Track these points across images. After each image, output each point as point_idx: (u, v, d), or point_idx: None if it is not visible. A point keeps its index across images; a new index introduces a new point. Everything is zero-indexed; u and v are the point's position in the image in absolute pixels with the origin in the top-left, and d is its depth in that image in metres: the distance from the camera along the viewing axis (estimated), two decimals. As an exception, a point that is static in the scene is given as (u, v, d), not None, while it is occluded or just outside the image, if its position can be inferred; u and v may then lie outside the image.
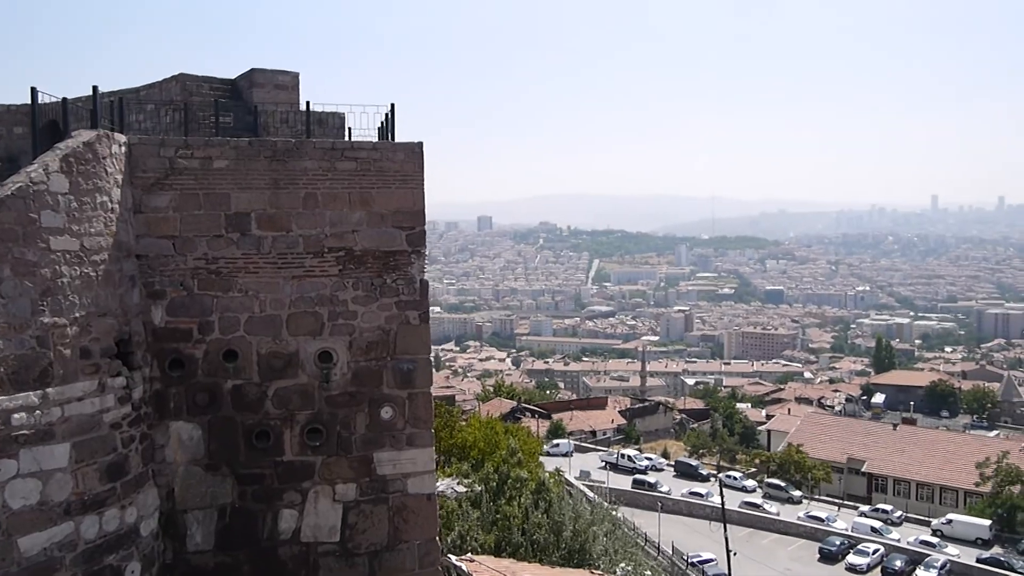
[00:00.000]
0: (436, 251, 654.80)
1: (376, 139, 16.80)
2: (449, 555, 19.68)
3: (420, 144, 15.56)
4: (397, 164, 15.33)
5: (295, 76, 20.44)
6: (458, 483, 32.11)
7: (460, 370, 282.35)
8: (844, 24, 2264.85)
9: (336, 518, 14.76)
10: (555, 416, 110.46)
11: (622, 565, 27.68)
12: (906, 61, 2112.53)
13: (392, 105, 17.19)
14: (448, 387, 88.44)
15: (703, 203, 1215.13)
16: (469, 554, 22.29)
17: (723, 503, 51.02)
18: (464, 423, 49.80)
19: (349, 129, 18.28)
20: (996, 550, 67.72)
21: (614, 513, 61.66)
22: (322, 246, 14.84)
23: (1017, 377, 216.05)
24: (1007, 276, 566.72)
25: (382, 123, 17.48)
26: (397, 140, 16.49)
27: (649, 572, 30.74)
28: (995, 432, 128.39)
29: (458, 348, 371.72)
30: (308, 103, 18.43)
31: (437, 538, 15.56)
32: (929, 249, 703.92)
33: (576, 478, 78.89)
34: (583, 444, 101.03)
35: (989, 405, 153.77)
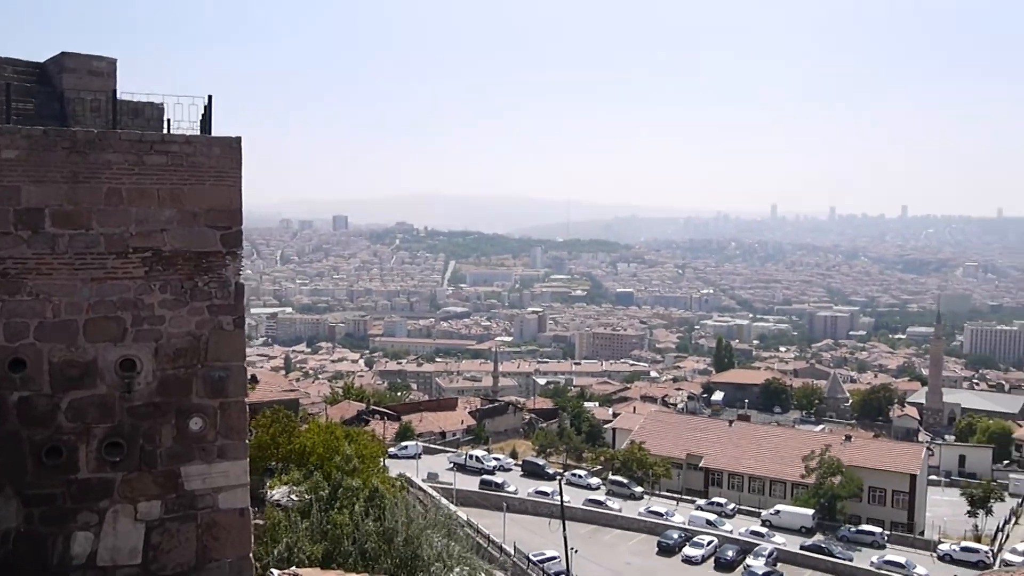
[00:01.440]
0: (290, 250, 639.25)
1: (199, 133, 15.87)
2: (272, 570, 18.90)
3: (238, 139, 14.80)
4: (212, 160, 14.49)
5: (112, 62, 19.07)
6: (289, 492, 31.09)
7: (311, 372, 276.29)
8: (694, 34, 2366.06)
9: (138, 539, 13.79)
10: (405, 418, 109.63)
11: (456, 571, 27.56)
12: (751, 77, 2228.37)
13: (209, 97, 16.21)
14: (291, 390, 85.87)
15: (559, 206, 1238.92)
16: (294, 568, 21.51)
17: (562, 502, 51.96)
18: (304, 428, 48.48)
19: (168, 121, 17.22)
20: (818, 537, 72.20)
21: (461, 515, 61.92)
22: (126, 246, 13.84)
23: (842, 375, 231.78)
24: (836, 281, 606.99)
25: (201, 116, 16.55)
26: (215, 134, 15.61)
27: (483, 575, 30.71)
28: (821, 426, 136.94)
29: (310, 350, 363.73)
30: (115, 91, 17.17)
31: (251, 555, 14.84)
32: (768, 255, 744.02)
33: (423, 480, 78.56)
34: (432, 446, 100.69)
35: (817, 401, 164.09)
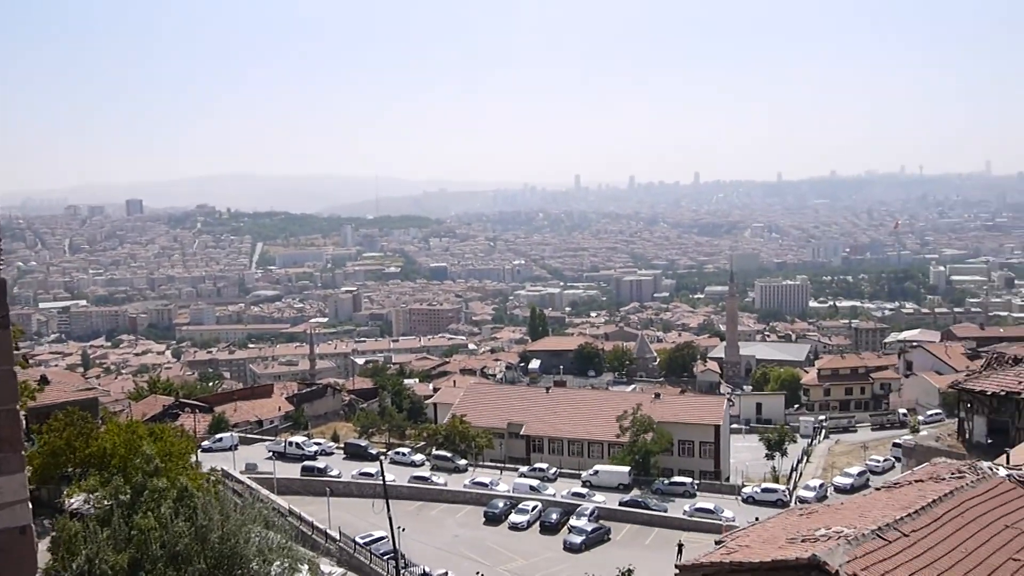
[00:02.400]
0: (79, 239, 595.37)
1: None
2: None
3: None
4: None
5: None
6: (88, 499, 28.70)
7: (113, 367, 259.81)
8: (492, 13, 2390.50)
9: None
10: (218, 409, 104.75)
11: (278, 563, 26.46)
12: (550, 53, 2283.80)
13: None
14: (88, 389, 79.77)
15: (367, 183, 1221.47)
16: (95, 581, 19.79)
17: (384, 481, 51.30)
18: (103, 429, 45.11)
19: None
20: (635, 492, 75.42)
21: (282, 505, 59.95)
22: None
23: (649, 335, 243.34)
24: (638, 247, 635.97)
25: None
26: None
27: (307, 566, 29.71)
28: (633, 386, 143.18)
29: (109, 343, 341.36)
30: None
31: (38, 574, 13.30)
32: (574, 224, 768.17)
33: (242, 472, 75.51)
34: (249, 435, 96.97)
35: (627, 362, 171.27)
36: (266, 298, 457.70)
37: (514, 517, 68.45)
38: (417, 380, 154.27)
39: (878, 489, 32.81)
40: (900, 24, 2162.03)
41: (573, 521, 66.84)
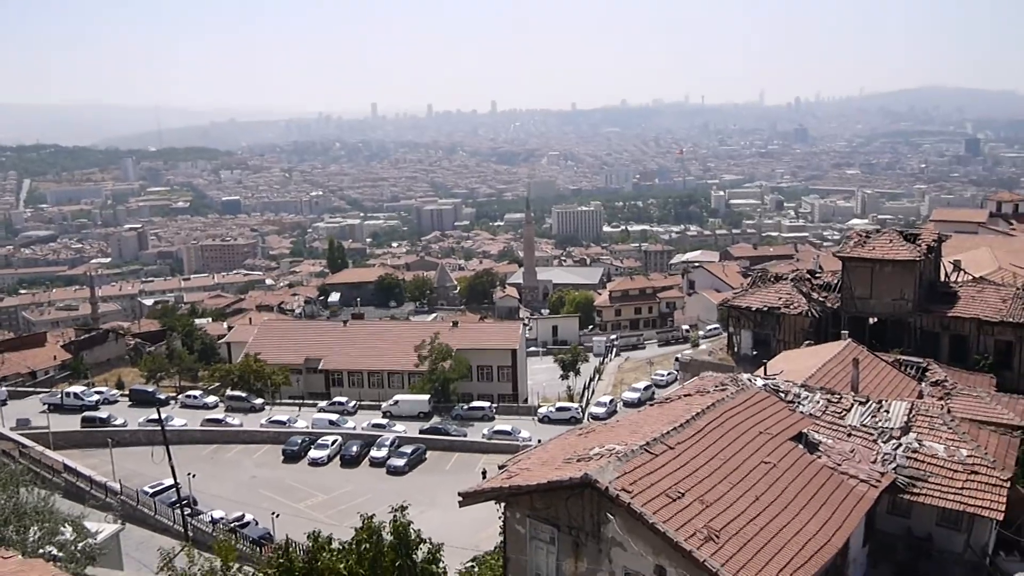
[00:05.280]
0: None
1: None
2: None
3: None
4: None
5: None
6: None
7: None
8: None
9: None
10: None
11: (34, 529, 24.46)
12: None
13: None
14: None
15: (146, 113, 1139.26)
16: None
17: (163, 427, 48.94)
18: None
19: None
20: (435, 420, 76.44)
21: (60, 460, 55.91)
22: None
23: (450, 264, 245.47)
24: (439, 176, 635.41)
25: None
26: None
27: (70, 527, 27.71)
28: (434, 315, 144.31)
29: None
30: None
31: None
32: (372, 154, 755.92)
33: (12, 429, 69.94)
34: (20, 389, 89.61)
35: (428, 291, 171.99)
36: (38, 239, 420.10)
37: (313, 453, 67.67)
38: (210, 319, 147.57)
39: (651, 405, 34.88)
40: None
41: (373, 452, 66.97)
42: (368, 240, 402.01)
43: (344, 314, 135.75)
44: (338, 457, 68.01)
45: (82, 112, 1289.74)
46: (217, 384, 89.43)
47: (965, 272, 59.60)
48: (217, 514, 53.67)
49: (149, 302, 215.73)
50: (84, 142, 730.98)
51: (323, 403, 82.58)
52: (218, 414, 78.87)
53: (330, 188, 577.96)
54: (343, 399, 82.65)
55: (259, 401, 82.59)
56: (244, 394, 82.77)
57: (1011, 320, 47.69)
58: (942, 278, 56.38)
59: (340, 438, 70.17)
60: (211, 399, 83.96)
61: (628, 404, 76.99)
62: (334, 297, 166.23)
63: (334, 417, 75.97)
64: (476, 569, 32.80)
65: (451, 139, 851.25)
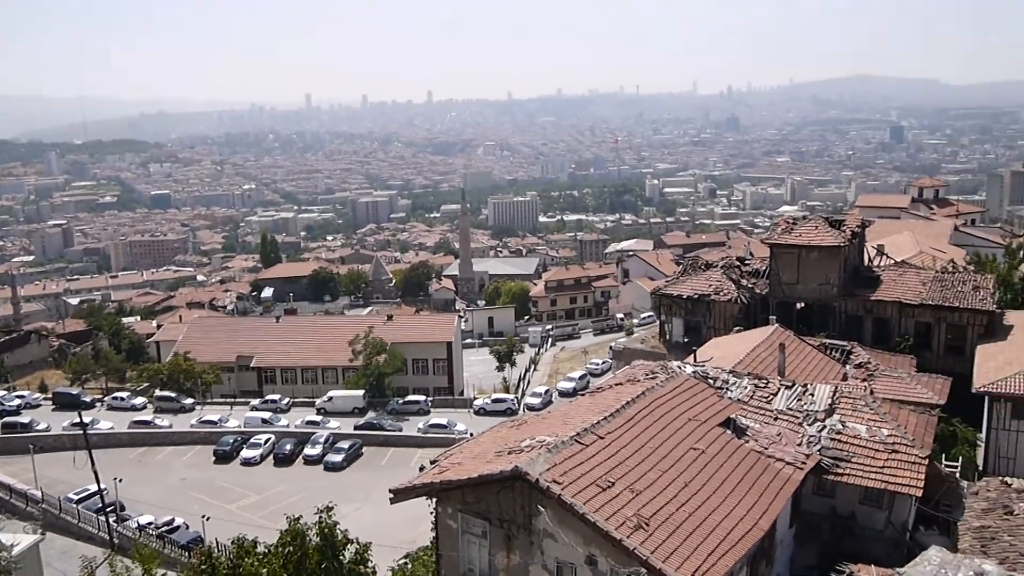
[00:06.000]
0: None
1: None
2: None
3: None
4: None
5: None
6: None
7: None
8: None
9: None
10: None
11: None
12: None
13: None
14: None
15: (71, 104, 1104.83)
16: None
17: (84, 431, 47.47)
18: None
19: None
20: (370, 415, 75.67)
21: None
22: None
23: (386, 257, 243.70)
24: (374, 168, 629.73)
25: None
26: None
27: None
28: (369, 309, 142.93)
29: None
30: None
31: None
32: (307, 145, 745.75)
33: (-74, 436, 67.27)
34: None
35: (363, 285, 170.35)
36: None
37: (246, 452, 66.44)
38: (139, 318, 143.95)
39: (582, 395, 34.97)
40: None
41: (307, 450, 66.04)
42: (302, 234, 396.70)
43: (277, 310, 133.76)
44: (271, 456, 66.87)
45: (2, 104, 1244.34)
46: (146, 385, 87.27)
47: (888, 256, 61.17)
48: (145, 519, 52.29)
49: (75, 301, 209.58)
50: (4, 135, 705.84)
51: (256, 401, 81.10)
52: (147, 416, 76.92)
53: (263, 181, 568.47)
54: (276, 397, 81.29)
55: (189, 401, 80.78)
56: (174, 394, 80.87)
57: (930, 302, 49.06)
58: (866, 263, 57.74)
59: (273, 437, 69.01)
60: (139, 400, 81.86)
61: (563, 394, 77.36)
62: (267, 293, 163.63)
63: (267, 415, 74.66)
64: (409, 566, 32.51)
65: (386, 130, 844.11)
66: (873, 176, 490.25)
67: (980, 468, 38.54)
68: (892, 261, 60.14)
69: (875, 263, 58.84)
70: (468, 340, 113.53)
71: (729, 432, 27.83)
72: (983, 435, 39.65)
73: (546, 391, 79.89)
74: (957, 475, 33.85)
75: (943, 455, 37.32)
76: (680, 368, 33.50)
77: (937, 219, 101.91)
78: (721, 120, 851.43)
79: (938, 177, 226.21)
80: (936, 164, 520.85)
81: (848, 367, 41.06)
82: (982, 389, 38.06)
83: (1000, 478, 29.18)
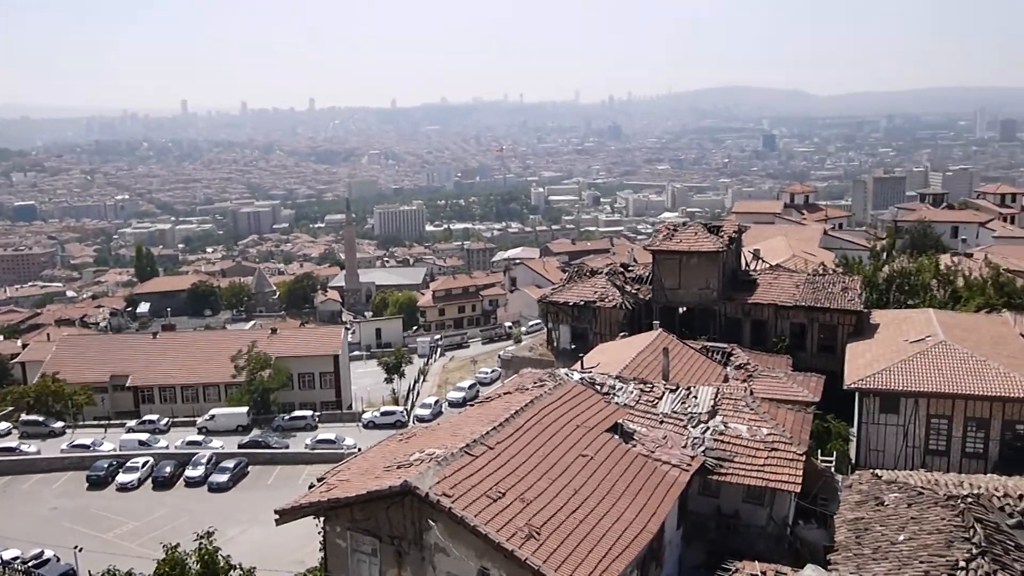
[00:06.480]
0: None
1: None
2: None
3: None
4: None
5: None
6: None
7: None
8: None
9: None
10: None
11: None
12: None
13: None
14: None
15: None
16: None
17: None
18: None
19: None
20: (255, 433, 73.40)
21: None
22: None
23: (270, 269, 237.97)
24: (255, 176, 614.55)
25: None
26: None
27: None
28: (252, 323, 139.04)
29: None
30: None
31: None
32: (184, 154, 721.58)
33: None
34: None
35: (246, 298, 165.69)
36: None
37: (122, 477, 63.27)
38: (1, 337, 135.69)
39: (472, 404, 34.86)
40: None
41: (188, 471, 63.50)
42: (180, 246, 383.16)
43: (154, 326, 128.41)
44: (150, 480, 63.95)
45: None
46: (10, 409, 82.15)
47: (763, 261, 63.61)
48: (9, 554, 49.00)
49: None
50: None
51: (132, 422, 77.32)
52: (11, 442, 72.35)
53: (138, 191, 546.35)
54: (154, 417, 77.83)
55: (59, 425, 76.42)
56: (41, 418, 76.32)
57: (803, 304, 51.25)
58: (743, 267, 59.84)
59: (151, 459, 65.98)
60: (3, 425, 77.01)
61: (453, 404, 77.02)
62: (143, 308, 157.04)
63: (144, 437, 71.33)
64: (298, 588, 31.68)
65: (268, 138, 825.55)
66: (748, 183, 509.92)
67: (853, 462, 40.39)
68: (767, 265, 62.56)
69: (752, 267, 61.07)
70: (356, 352, 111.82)
71: (617, 437, 28.26)
72: (855, 430, 41.56)
73: (436, 402, 79.39)
74: (832, 469, 35.42)
75: (819, 451, 38.98)
76: (567, 375, 33.83)
77: (808, 224, 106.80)
78: (603, 128, 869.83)
79: (808, 183, 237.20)
80: (806, 171, 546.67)
81: (729, 368, 42.40)
82: (852, 386, 39.90)
83: (871, 471, 30.58)
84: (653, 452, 28.10)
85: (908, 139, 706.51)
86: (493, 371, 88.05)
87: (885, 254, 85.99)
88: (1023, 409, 37.65)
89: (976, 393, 37.96)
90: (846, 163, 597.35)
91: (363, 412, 78.91)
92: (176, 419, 78.61)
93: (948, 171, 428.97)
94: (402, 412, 76.44)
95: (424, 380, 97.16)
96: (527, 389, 31.46)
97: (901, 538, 22.78)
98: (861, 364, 42.11)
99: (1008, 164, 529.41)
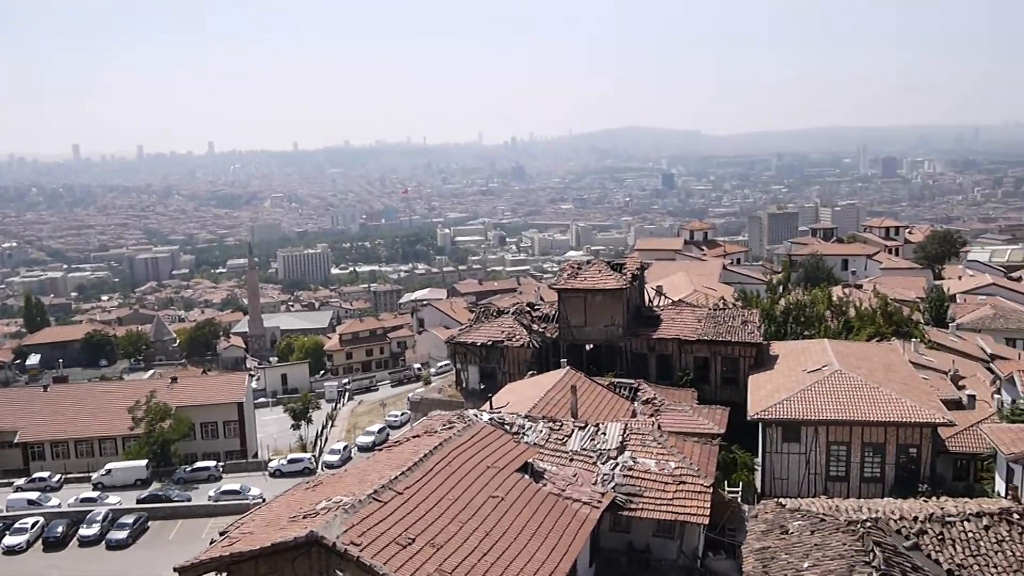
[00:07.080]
0: None
1: None
2: None
3: None
4: None
5: None
6: None
7: None
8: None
9: None
10: None
11: None
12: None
13: None
14: None
15: None
16: None
17: None
18: None
19: None
20: (155, 486, 70.51)
21: None
22: None
23: (169, 316, 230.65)
24: (153, 222, 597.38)
25: None
26: None
27: None
28: (151, 372, 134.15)
29: None
30: None
31: None
32: (76, 199, 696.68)
33: None
34: None
35: (144, 347, 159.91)
36: None
37: (9, 539, 59.63)
38: None
39: (381, 449, 34.34)
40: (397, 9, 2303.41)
41: (83, 530, 60.35)
42: (73, 294, 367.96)
43: (45, 378, 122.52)
44: (40, 541, 60.54)
45: None
46: None
47: (666, 296, 65.02)
48: None
49: None
50: None
51: (20, 481, 73.39)
52: None
53: (26, 238, 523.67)
54: (45, 474, 73.93)
55: (-61, 486, 71.99)
56: (-81, 480, 71.81)
57: (706, 338, 52.50)
58: (647, 303, 61.02)
59: (42, 519, 62.53)
60: None
61: (363, 448, 75.69)
62: (33, 359, 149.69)
63: (34, 495, 67.55)
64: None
65: (166, 182, 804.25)
66: (649, 220, 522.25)
67: (759, 491, 41.29)
68: (670, 300, 63.95)
69: (655, 303, 62.31)
70: (261, 399, 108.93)
71: (527, 477, 28.24)
72: (759, 459, 42.58)
73: (344, 447, 77.89)
74: (739, 499, 36.11)
75: (726, 481, 39.72)
76: (476, 416, 33.71)
77: (707, 259, 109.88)
78: (507, 169, 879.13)
79: (706, 220, 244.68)
80: (704, 208, 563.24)
81: (636, 404, 42.96)
82: (755, 416, 40.95)
83: (776, 499, 31.31)
84: (564, 490, 28.18)
85: (798, 176, 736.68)
86: (403, 413, 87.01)
87: (781, 287, 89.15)
88: (915, 433, 39.30)
89: (871, 419, 39.46)
90: (741, 200, 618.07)
91: (269, 460, 76.80)
92: (69, 475, 74.95)
93: (836, 206, 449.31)
94: (310, 459, 74.64)
95: (332, 425, 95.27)
96: (436, 432, 31.23)
97: (806, 565, 23.36)
98: (763, 395, 43.29)
99: (891, 199, 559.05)
